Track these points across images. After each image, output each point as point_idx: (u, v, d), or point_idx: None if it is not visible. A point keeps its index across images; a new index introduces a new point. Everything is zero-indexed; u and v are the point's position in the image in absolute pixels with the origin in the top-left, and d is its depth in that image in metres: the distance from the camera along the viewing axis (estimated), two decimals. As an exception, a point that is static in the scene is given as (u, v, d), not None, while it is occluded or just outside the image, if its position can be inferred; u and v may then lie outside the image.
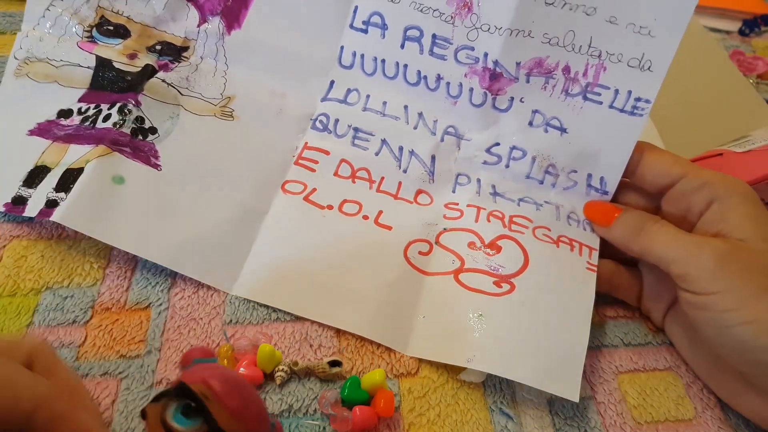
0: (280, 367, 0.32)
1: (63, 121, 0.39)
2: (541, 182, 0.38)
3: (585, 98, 0.36)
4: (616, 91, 0.35)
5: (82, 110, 0.39)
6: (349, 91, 0.40)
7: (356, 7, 0.38)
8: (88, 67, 0.41)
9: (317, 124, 0.40)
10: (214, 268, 0.35)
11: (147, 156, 0.37)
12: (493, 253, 0.35)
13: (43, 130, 0.38)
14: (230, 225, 0.36)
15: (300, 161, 0.39)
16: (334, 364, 0.32)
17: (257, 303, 0.35)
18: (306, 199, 0.37)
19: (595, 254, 0.36)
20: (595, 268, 0.35)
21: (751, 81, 0.55)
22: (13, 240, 0.36)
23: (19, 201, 0.36)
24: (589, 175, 0.37)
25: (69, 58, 0.41)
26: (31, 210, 0.34)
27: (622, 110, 0.35)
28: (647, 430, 0.32)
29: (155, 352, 0.33)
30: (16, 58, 0.41)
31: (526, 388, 0.33)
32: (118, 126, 0.38)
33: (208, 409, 0.24)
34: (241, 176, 0.38)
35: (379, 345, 0.34)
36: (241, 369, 0.31)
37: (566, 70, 0.35)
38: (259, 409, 0.26)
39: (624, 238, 0.34)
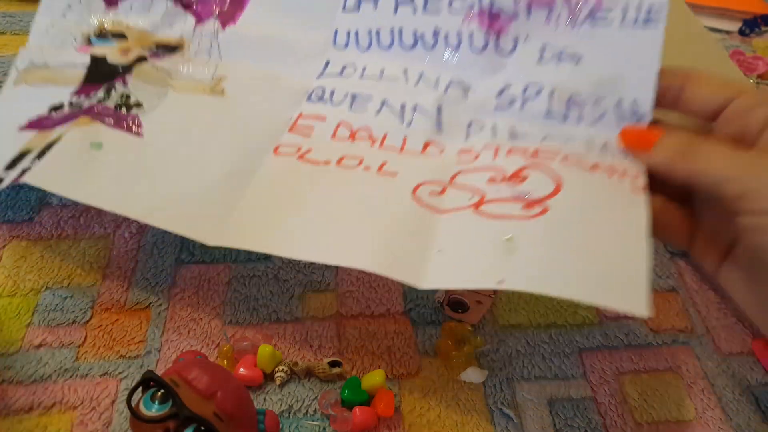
0: (280, 368, 0.32)
1: (54, 115, 0.38)
2: (565, 117, 0.34)
3: (593, 23, 0.33)
4: (624, 8, 0.33)
5: (74, 102, 0.39)
6: (344, 67, 0.39)
7: None
8: (82, 66, 0.41)
9: (312, 96, 0.39)
10: (195, 222, 0.32)
11: (129, 125, 0.37)
12: (518, 182, 0.32)
13: (33, 125, 0.38)
14: (215, 183, 0.34)
15: (294, 129, 0.37)
16: (334, 364, 0.32)
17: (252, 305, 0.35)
18: (301, 158, 0.35)
19: (643, 177, 0.31)
20: (645, 191, 0.30)
21: (751, 81, 0.55)
22: (12, 240, 0.36)
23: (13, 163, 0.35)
24: (619, 101, 0.33)
25: (66, 60, 0.42)
26: (5, 183, 0.34)
27: (635, 24, 0.33)
28: (648, 430, 0.32)
29: (155, 352, 0.33)
30: (17, 69, 0.42)
31: (526, 388, 0.33)
32: (101, 101, 0.38)
33: (175, 394, 0.25)
34: (229, 143, 0.37)
35: (379, 345, 0.34)
36: (241, 369, 0.31)
37: None
38: (236, 394, 0.27)
39: (668, 162, 0.30)
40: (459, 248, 0.30)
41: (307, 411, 0.31)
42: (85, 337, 0.33)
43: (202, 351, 0.33)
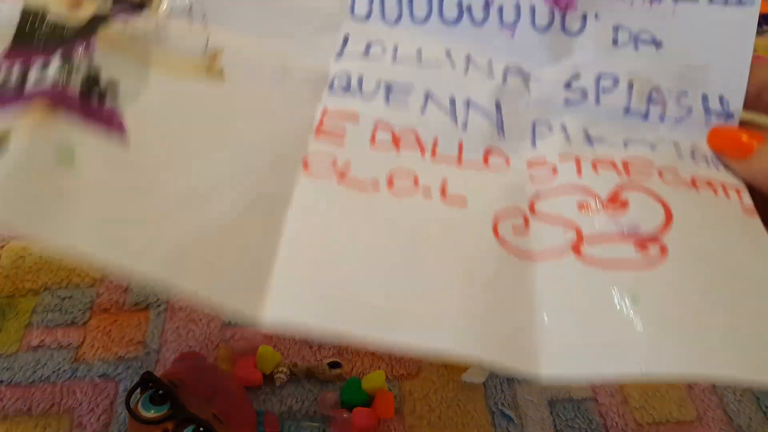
0: (280, 369, 0.32)
1: None
2: (646, 116, 0.29)
3: (675, 0, 0.29)
4: None
5: (1, 70, 0.28)
6: (369, 45, 0.31)
7: None
8: (8, 18, 0.29)
9: (335, 85, 0.30)
10: (227, 282, 0.23)
11: (106, 124, 0.26)
12: (620, 211, 0.26)
13: None
14: (241, 217, 0.25)
15: (321, 133, 0.29)
16: (334, 365, 0.32)
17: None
18: (341, 178, 0.27)
19: (747, 195, 0.27)
20: (756, 213, 0.26)
21: (752, 80, 0.55)
22: (11, 241, 0.36)
23: None
24: (705, 97, 0.29)
25: None
26: None
27: (726, 2, 0.28)
28: (649, 431, 0.32)
29: (154, 353, 0.32)
30: None
31: (527, 389, 0.33)
32: (60, 84, 0.27)
33: (174, 395, 0.25)
34: (243, 153, 0.28)
35: (379, 346, 0.34)
36: (240, 371, 0.31)
37: None
38: (235, 396, 0.27)
39: None
40: (572, 315, 0.24)
41: (306, 412, 0.31)
42: (84, 338, 0.32)
43: (201, 352, 0.33)
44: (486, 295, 0.24)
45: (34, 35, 0.29)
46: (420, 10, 0.31)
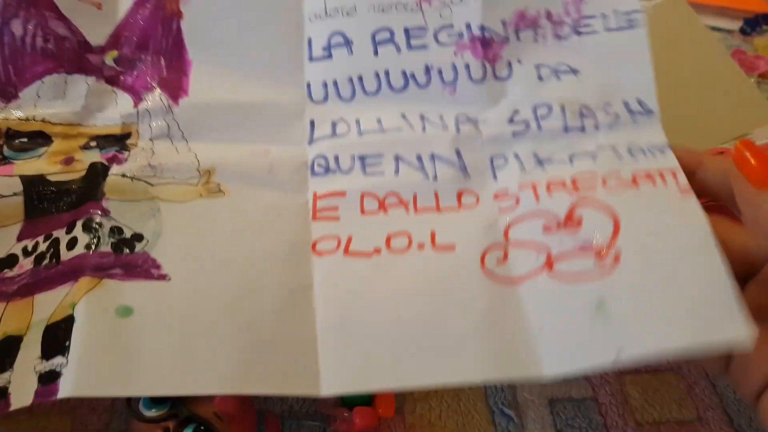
0: (281, 368, 0.32)
1: (8, 273, 0.29)
2: (583, 129, 0.33)
3: (579, 35, 0.34)
4: (603, 15, 0.34)
5: (29, 249, 0.30)
6: (334, 124, 0.35)
7: (309, 39, 0.35)
8: (14, 194, 0.31)
9: (316, 168, 0.34)
10: (286, 374, 0.28)
11: (146, 270, 0.29)
12: (576, 228, 0.30)
13: None
14: (279, 315, 0.29)
15: (318, 216, 0.33)
16: (335, 364, 0.32)
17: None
18: (347, 253, 0.31)
19: (681, 176, 0.30)
20: (691, 191, 0.29)
21: (752, 80, 0.55)
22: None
23: None
24: (626, 102, 0.33)
25: None
26: (21, 398, 0.26)
27: (619, 29, 0.34)
28: (649, 431, 0.32)
29: (155, 352, 0.32)
30: None
31: (527, 388, 0.33)
32: (92, 247, 0.29)
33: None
34: (262, 255, 0.31)
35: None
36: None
37: (548, 15, 0.34)
38: (236, 395, 0.27)
39: None
40: (558, 324, 0.29)
41: (307, 412, 0.31)
42: (85, 337, 0.33)
43: (202, 351, 0.33)
44: (486, 325, 0.29)
45: (42, 202, 0.31)
46: (370, 85, 0.34)
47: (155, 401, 0.26)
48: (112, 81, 0.34)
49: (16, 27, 0.32)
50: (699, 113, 0.51)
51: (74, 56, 0.33)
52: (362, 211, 0.32)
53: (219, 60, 0.35)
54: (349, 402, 0.31)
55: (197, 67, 0.34)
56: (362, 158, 0.34)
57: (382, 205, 0.33)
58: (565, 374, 0.27)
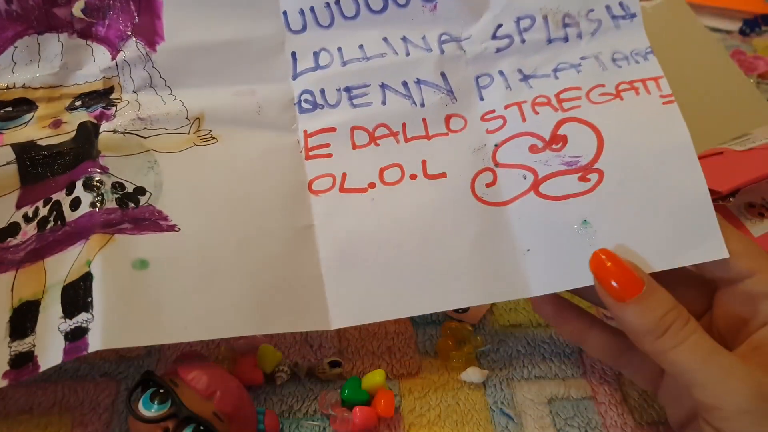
0: (281, 368, 0.32)
1: (13, 240, 0.29)
2: (566, 39, 0.33)
3: None
4: None
5: (30, 215, 0.29)
6: (316, 54, 0.34)
7: None
8: (7, 163, 0.30)
9: (303, 105, 0.33)
10: (298, 312, 0.29)
11: (155, 222, 0.29)
12: (561, 146, 0.31)
13: None
14: (286, 257, 0.30)
15: (310, 154, 0.33)
16: (335, 364, 0.32)
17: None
18: (342, 190, 0.32)
19: (664, 82, 0.31)
20: (673, 100, 0.31)
21: (751, 80, 0.55)
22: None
23: (22, 359, 0.26)
24: (608, 7, 0.33)
25: None
26: (50, 358, 0.26)
27: None
28: (648, 431, 0.32)
29: (155, 353, 0.33)
30: None
31: (526, 387, 0.33)
32: (97, 205, 0.29)
33: (175, 393, 0.26)
34: (262, 198, 0.31)
35: (379, 345, 0.34)
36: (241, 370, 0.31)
37: None
38: (236, 394, 0.27)
39: (638, 329, 0.25)
40: (544, 243, 0.30)
41: (307, 411, 0.31)
42: (85, 337, 0.33)
43: (202, 351, 0.33)
44: (478, 249, 0.30)
45: (37, 167, 0.31)
46: (348, 8, 0.33)
47: (155, 401, 0.26)
48: (85, 34, 0.33)
49: None
50: (698, 114, 0.51)
51: (41, 14, 0.32)
52: (353, 145, 0.32)
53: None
54: (348, 401, 0.31)
55: (168, 5, 0.33)
56: (348, 90, 0.33)
57: (372, 138, 0.33)
58: (553, 290, 0.30)
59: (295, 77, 0.34)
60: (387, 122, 0.33)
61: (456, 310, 0.36)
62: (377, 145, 0.32)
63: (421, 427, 0.31)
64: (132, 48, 0.33)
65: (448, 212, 0.31)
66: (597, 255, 0.27)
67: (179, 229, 0.29)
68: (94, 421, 0.30)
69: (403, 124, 0.33)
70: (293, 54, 0.34)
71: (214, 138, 0.32)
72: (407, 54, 0.34)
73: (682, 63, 0.55)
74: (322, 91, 0.33)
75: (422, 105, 0.33)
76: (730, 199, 0.38)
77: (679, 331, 0.25)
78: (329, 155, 0.32)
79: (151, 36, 0.33)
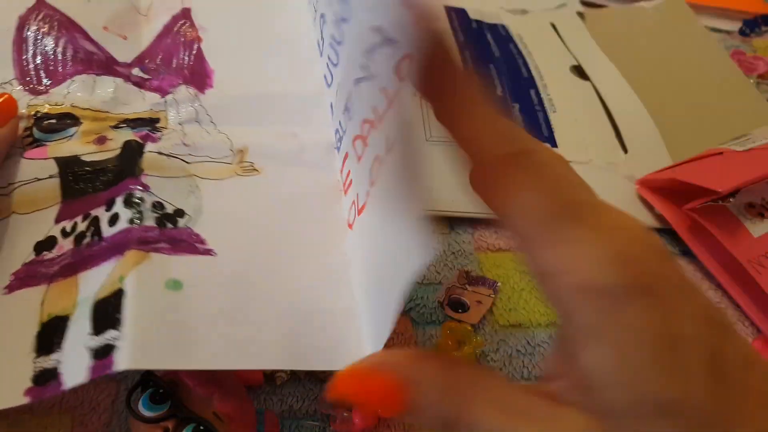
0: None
1: (48, 254, 0.28)
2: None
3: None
4: None
5: (68, 230, 0.29)
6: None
7: (318, 41, 0.36)
8: (50, 177, 0.30)
9: (336, 144, 0.34)
10: (333, 348, 0.28)
11: (192, 245, 0.29)
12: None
13: (24, 280, 0.28)
14: (320, 291, 0.29)
15: (346, 188, 0.32)
16: (335, 364, 0.32)
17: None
18: (359, 213, 0.30)
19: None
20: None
21: (751, 81, 0.55)
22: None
23: (47, 376, 0.25)
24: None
25: (18, 177, 0.30)
26: (75, 376, 0.24)
27: None
28: (648, 430, 0.32)
29: (155, 352, 0.32)
30: None
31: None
32: (136, 222, 0.28)
33: (174, 393, 0.26)
34: (302, 232, 0.31)
35: (379, 345, 0.34)
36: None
37: None
38: (235, 394, 0.27)
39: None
40: (377, 253, 0.27)
41: (307, 411, 0.31)
42: (85, 337, 0.33)
43: (202, 351, 0.33)
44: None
45: (78, 182, 0.31)
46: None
47: (155, 402, 0.26)
48: (139, 85, 0.35)
49: (48, 42, 0.35)
50: (698, 114, 0.51)
51: (103, 65, 0.35)
52: (359, 158, 0.30)
53: (240, 66, 0.37)
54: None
55: (219, 72, 0.36)
56: (347, 108, 0.30)
57: (359, 157, 0.30)
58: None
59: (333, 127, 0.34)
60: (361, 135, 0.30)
61: (455, 310, 0.36)
62: (359, 161, 0.30)
63: (421, 427, 0.31)
64: (182, 91, 0.35)
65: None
66: (343, 378, 0.21)
67: (215, 253, 0.29)
68: (94, 421, 0.30)
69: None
70: (331, 104, 0.34)
71: (256, 170, 0.33)
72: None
73: (682, 63, 0.56)
74: (339, 122, 0.32)
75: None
76: (730, 199, 0.38)
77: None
78: (351, 182, 0.31)
79: (201, 85, 0.36)
